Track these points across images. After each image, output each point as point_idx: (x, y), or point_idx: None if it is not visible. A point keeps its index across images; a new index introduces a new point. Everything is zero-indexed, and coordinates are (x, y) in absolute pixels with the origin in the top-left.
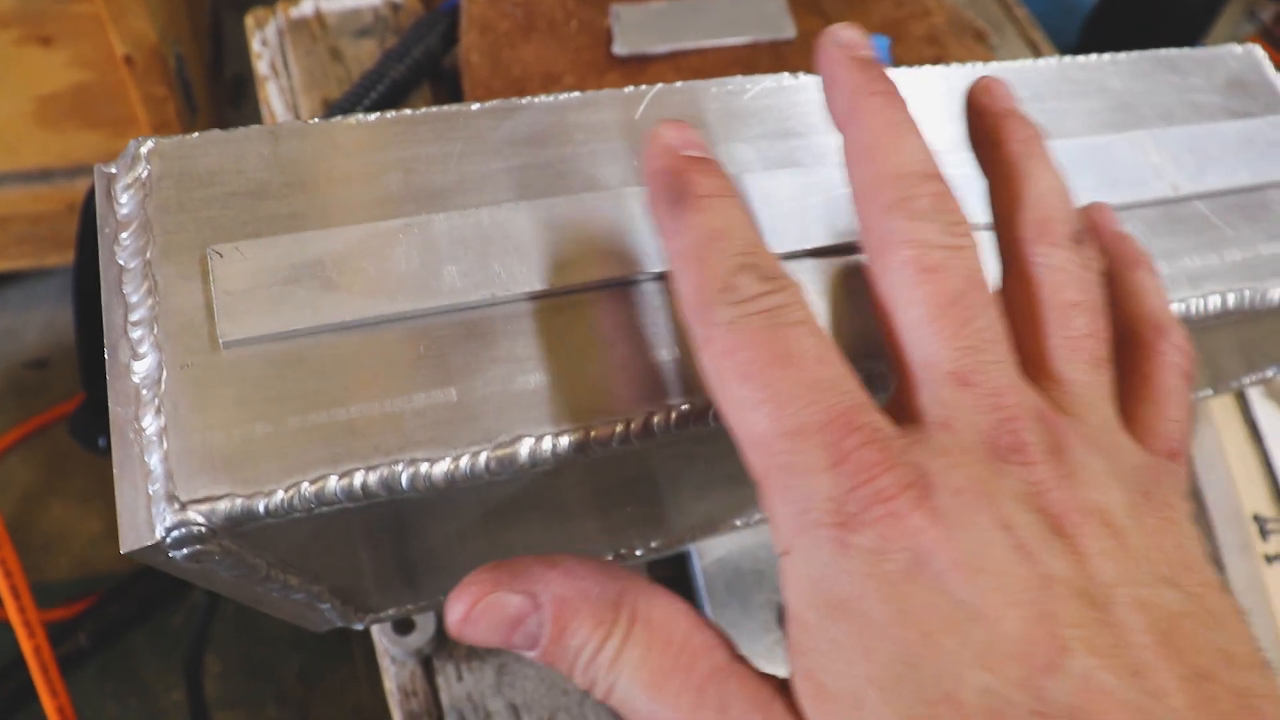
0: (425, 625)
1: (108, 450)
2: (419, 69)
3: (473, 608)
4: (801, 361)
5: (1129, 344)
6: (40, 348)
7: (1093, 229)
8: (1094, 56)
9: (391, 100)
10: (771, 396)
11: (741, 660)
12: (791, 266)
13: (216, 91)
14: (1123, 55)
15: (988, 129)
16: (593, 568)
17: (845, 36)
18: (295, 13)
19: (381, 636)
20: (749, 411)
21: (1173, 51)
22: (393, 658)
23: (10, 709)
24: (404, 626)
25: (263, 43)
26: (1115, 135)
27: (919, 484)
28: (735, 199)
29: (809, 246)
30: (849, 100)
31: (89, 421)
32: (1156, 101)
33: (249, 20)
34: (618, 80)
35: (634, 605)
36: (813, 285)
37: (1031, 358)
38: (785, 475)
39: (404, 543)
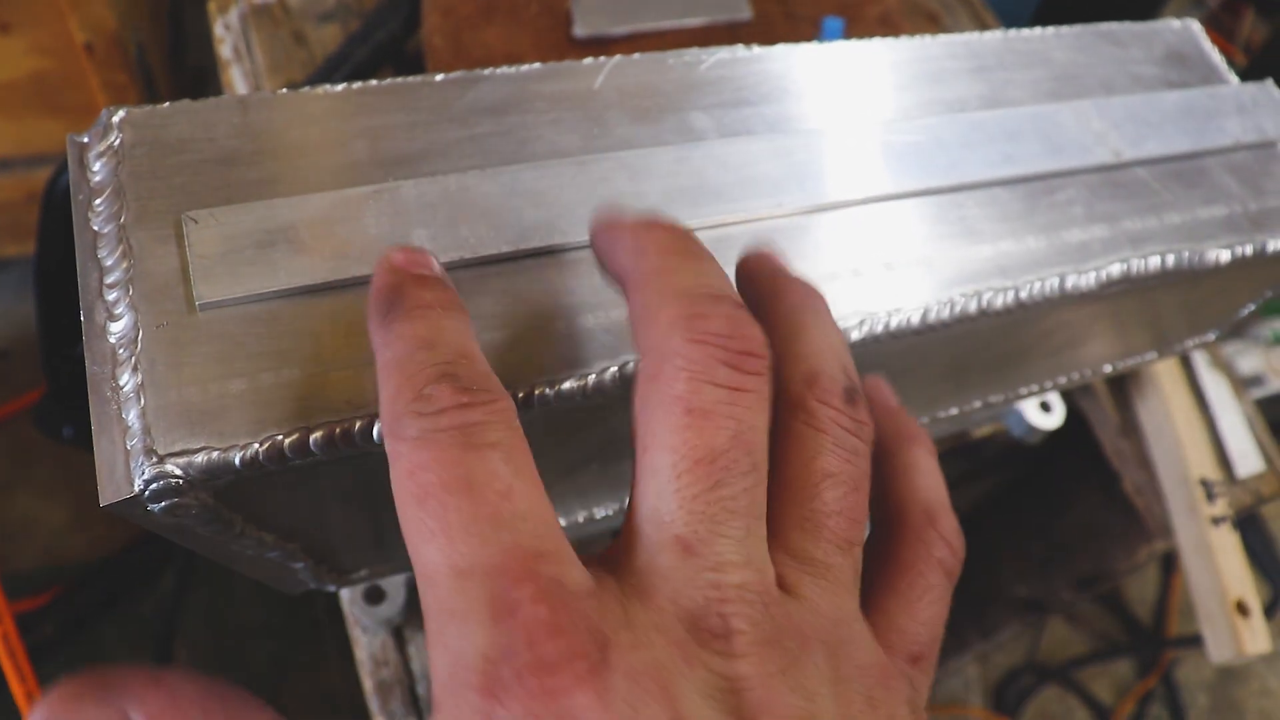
0: (395, 595)
1: (73, 440)
2: (382, 52)
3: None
4: (484, 491)
5: (894, 525)
6: (1, 338)
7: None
8: (1038, 30)
9: None
10: (444, 528)
11: None
12: (737, 231)
13: (178, 80)
14: (1065, 29)
15: (763, 289)
16: (199, 688)
17: (604, 216)
18: None
19: (352, 607)
20: (421, 541)
21: (1113, 25)
22: (363, 628)
23: None
24: (374, 596)
25: (225, 27)
26: (1059, 104)
27: (590, 657)
28: (454, 311)
29: (759, 215)
30: (632, 243)
31: (53, 412)
32: (1098, 72)
33: (211, 5)
34: None
35: None
36: None
37: (777, 528)
38: (445, 619)
39: (374, 501)
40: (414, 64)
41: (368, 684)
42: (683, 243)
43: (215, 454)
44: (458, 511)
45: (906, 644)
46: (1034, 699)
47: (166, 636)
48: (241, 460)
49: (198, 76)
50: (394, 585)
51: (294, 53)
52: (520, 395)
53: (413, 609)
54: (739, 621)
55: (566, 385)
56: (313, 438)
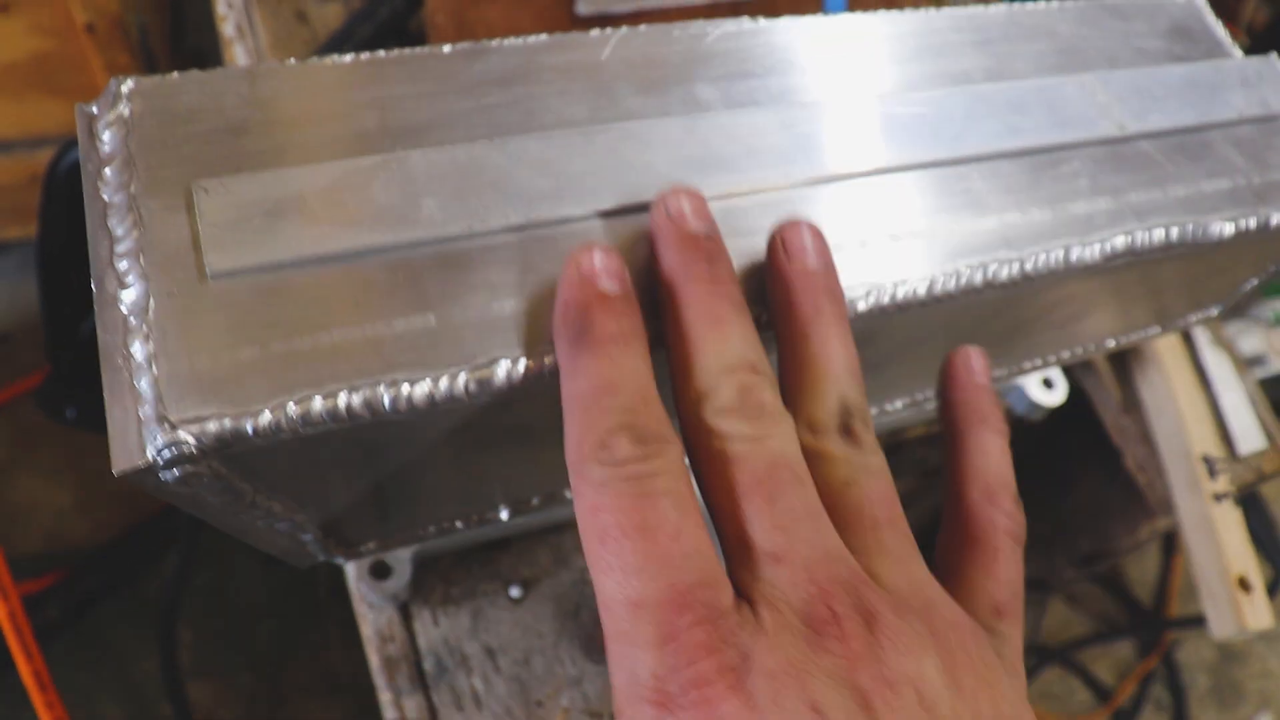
0: (401, 571)
1: (76, 421)
2: (385, 30)
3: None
4: (656, 534)
5: (959, 504)
6: (3, 321)
7: (953, 377)
8: (1041, 3)
9: None
10: (622, 565)
11: None
12: (745, 203)
13: (179, 61)
14: (1070, 2)
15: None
16: None
17: (675, 207)
18: None
19: (359, 583)
20: (601, 574)
21: None
22: (370, 604)
23: None
24: (380, 572)
25: (228, 5)
26: (1063, 77)
27: (737, 668)
28: (636, 344)
29: (766, 186)
30: (669, 282)
31: (56, 393)
32: (1102, 45)
33: None
34: None
35: None
36: (765, 219)
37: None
38: (622, 643)
39: (384, 472)
40: (417, 42)
41: (374, 659)
42: (712, 305)
43: (228, 421)
44: (633, 553)
45: (987, 600)
46: (1035, 680)
47: (170, 618)
48: (254, 428)
49: (198, 58)
50: (400, 561)
51: (296, 31)
52: (530, 365)
53: (418, 585)
54: (839, 606)
55: None
56: (324, 405)
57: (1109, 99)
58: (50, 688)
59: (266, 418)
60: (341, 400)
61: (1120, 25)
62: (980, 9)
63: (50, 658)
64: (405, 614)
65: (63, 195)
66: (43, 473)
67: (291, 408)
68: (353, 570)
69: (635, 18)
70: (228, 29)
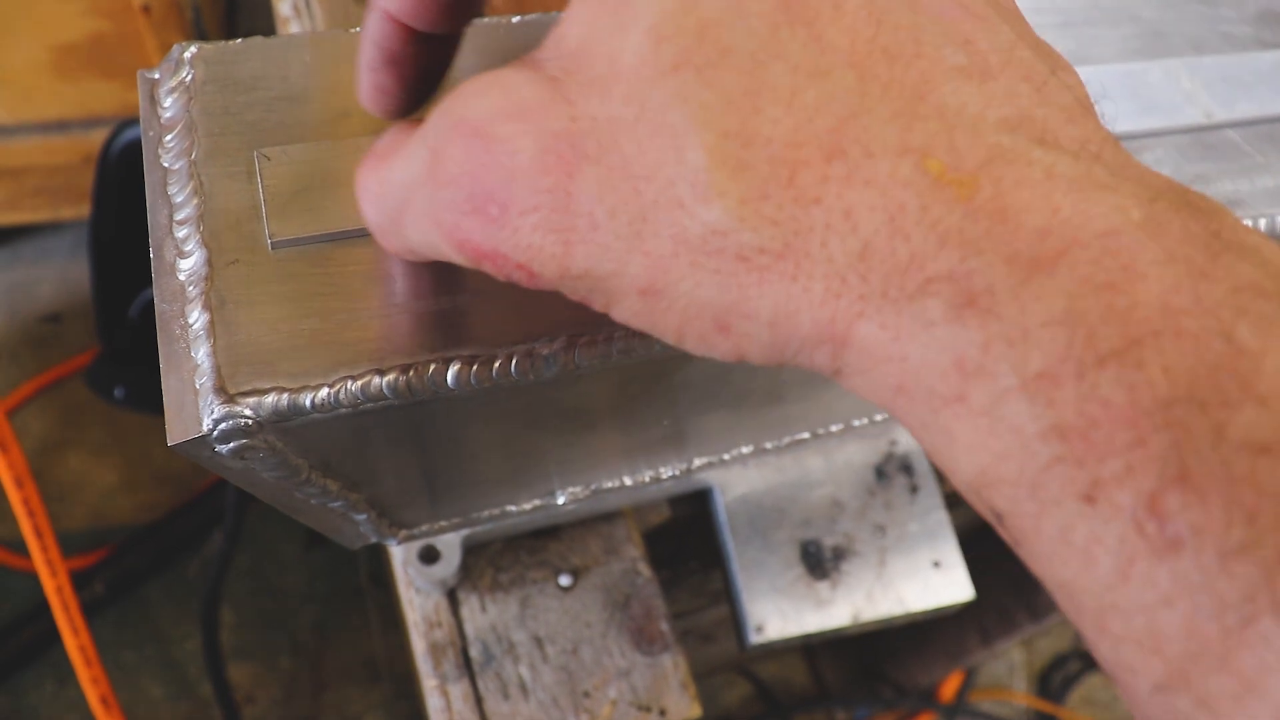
0: (450, 556)
1: (124, 401)
2: None
3: None
4: None
5: None
6: (54, 301)
7: None
8: None
9: None
10: None
11: None
12: None
13: None
14: None
15: None
16: None
17: None
18: None
19: (406, 568)
20: None
21: None
22: (417, 589)
23: (26, 658)
24: (429, 556)
25: None
26: (1148, 62)
27: None
28: None
29: None
30: None
31: (106, 373)
32: (1187, 30)
33: None
34: None
35: None
36: None
37: None
38: None
39: (440, 452)
40: None
41: (419, 645)
42: None
43: (286, 395)
44: None
45: None
46: (1080, 685)
47: (212, 599)
48: (313, 402)
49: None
50: (450, 546)
51: (354, 10)
52: (599, 342)
53: (467, 571)
54: None
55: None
56: (385, 380)
57: (1195, 85)
58: (95, 663)
59: (325, 393)
60: (402, 376)
61: (1206, 10)
62: None
63: (96, 633)
64: (453, 600)
65: (116, 176)
66: (91, 451)
67: (352, 383)
68: (400, 555)
69: None
70: (284, 8)
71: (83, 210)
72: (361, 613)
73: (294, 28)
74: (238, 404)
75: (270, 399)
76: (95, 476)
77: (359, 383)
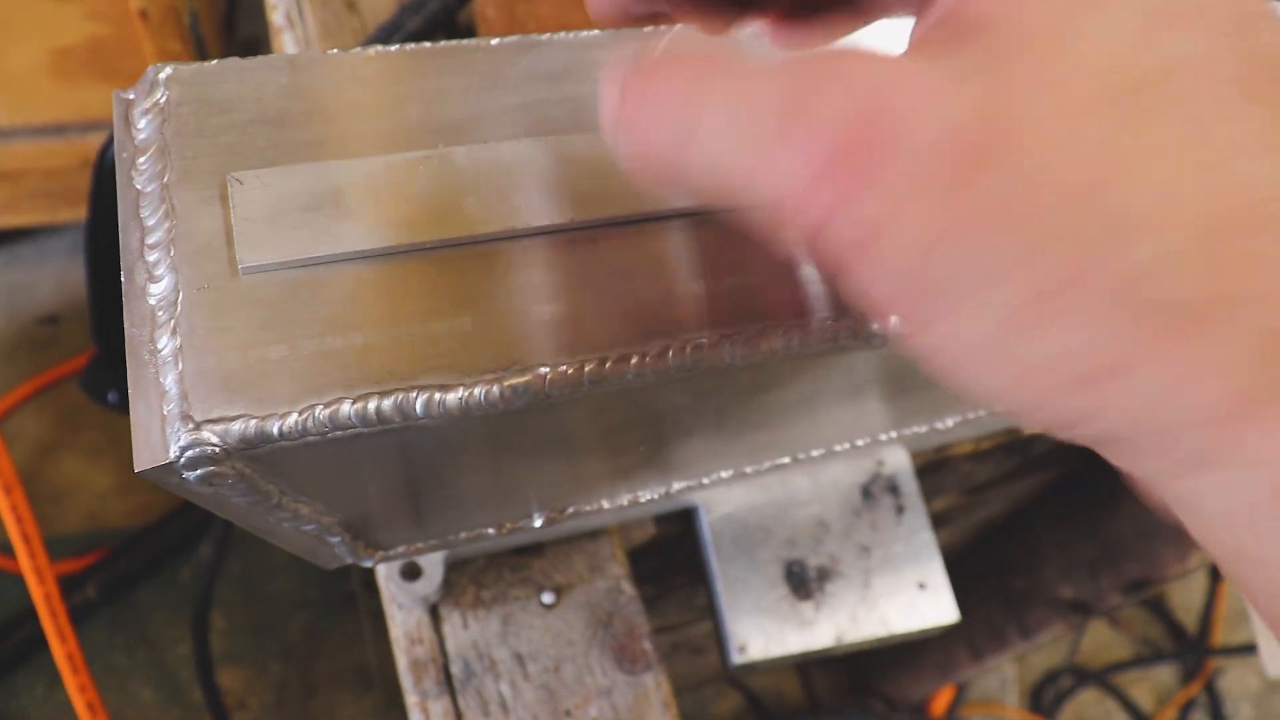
0: (432, 573)
1: (119, 405)
2: (435, 22)
3: None
4: None
5: None
6: (52, 303)
7: None
8: None
9: None
10: None
11: None
12: None
13: (230, 49)
14: None
15: None
16: None
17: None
18: None
19: (389, 583)
20: None
21: None
22: (399, 604)
23: (17, 660)
24: (411, 573)
25: None
26: None
27: None
28: None
29: None
30: None
31: (101, 376)
32: None
33: None
34: None
35: None
36: None
37: None
38: None
39: (414, 476)
40: (466, 35)
41: (401, 661)
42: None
43: (253, 422)
44: None
45: None
46: (1072, 701)
47: (204, 604)
48: (280, 430)
49: (250, 46)
50: (431, 562)
51: (346, 20)
52: (570, 372)
53: (449, 587)
54: None
55: (625, 363)
56: (354, 409)
57: None
58: (83, 670)
59: (293, 420)
60: (372, 404)
61: None
62: None
63: (88, 637)
64: (435, 616)
65: (112, 181)
66: (85, 454)
67: (320, 410)
68: (383, 570)
69: None
70: (277, 18)
71: (80, 213)
72: (354, 619)
73: (287, 37)
74: (204, 431)
75: (237, 426)
76: (90, 479)
77: (328, 410)
